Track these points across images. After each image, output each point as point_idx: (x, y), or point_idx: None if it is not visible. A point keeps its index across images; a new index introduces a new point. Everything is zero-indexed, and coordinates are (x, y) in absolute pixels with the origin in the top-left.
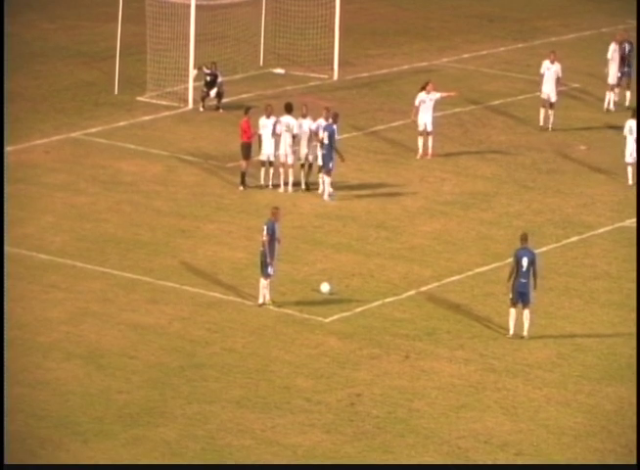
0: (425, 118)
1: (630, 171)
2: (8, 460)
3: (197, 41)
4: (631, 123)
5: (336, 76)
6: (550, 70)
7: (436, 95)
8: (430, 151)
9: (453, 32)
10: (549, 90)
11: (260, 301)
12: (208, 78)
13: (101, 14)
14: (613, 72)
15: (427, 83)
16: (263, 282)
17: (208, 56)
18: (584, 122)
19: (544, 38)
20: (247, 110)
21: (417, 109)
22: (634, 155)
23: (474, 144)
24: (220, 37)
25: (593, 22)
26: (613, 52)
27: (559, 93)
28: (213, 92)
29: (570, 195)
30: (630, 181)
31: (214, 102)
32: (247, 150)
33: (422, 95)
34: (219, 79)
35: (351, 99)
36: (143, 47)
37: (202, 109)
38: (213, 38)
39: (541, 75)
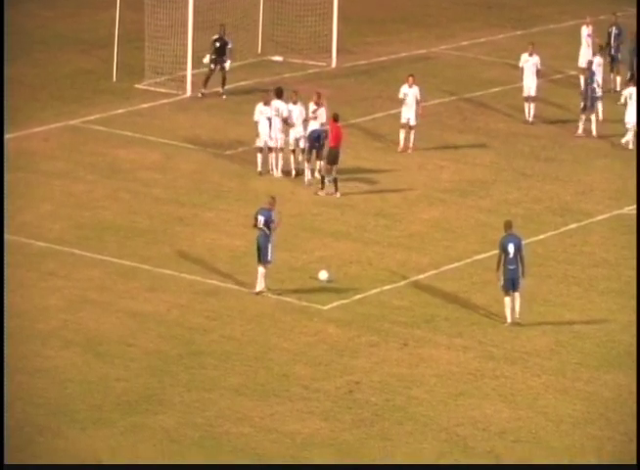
0: (407, 112)
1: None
2: (7, 449)
3: (195, 29)
4: (631, 90)
5: (334, 64)
6: (529, 63)
7: (417, 89)
8: (411, 144)
9: (451, 20)
10: (530, 83)
11: (258, 289)
12: (218, 44)
13: (99, 1)
14: (584, 56)
15: (409, 76)
16: (262, 270)
17: (207, 44)
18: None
19: (542, 26)
20: (336, 116)
21: (403, 102)
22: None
23: (472, 132)
24: (219, 25)
25: (591, 9)
26: (584, 35)
27: (540, 85)
28: (227, 64)
29: (568, 182)
30: (631, 146)
31: (219, 88)
32: (332, 156)
33: (404, 88)
34: (229, 46)
35: (350, 87)
36: (141, 35)
37: (200, 95)
38: (212, 26)
39: (521, 69)
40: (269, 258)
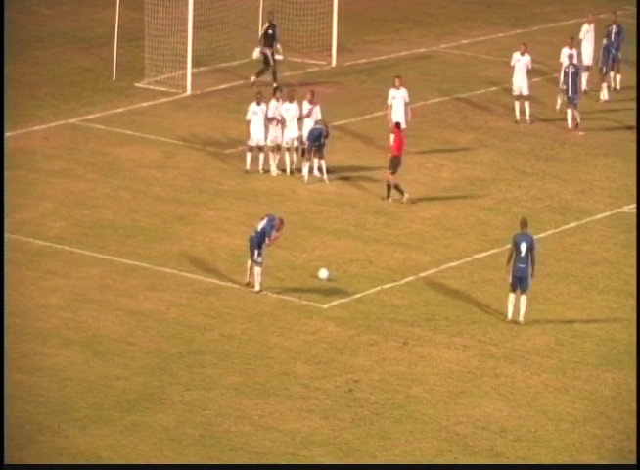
0: (397, 116)
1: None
2: (7, 448)
3: (195, 27)
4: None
5: (334, 63)
6: (520, 62)
7: (405, 91)
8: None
9: (451, 18)
10: (520, 83)
11: (258, 288)
12: (270, 32)
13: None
14: (587, 53)
15: (395, 78)
16: (258, 270)
17: (207, 42)
18: (581, 108)
19: (543, 24)
20: (398, 124)
21: (391, 107)
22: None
23: (472, 130)
24: (219, 23)
25: (592, 7)
26: (585, 33)
27: (531, 84)
28: (279, 46)
29: (568, 181)
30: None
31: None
32: (397, 163)
33: (392, 92)
34: (277, 28)
35: (350, 85)
36: (141, 33)
37: (252, 81)
38: (211, 24)
39: (511, 68)
40: (256, 258)
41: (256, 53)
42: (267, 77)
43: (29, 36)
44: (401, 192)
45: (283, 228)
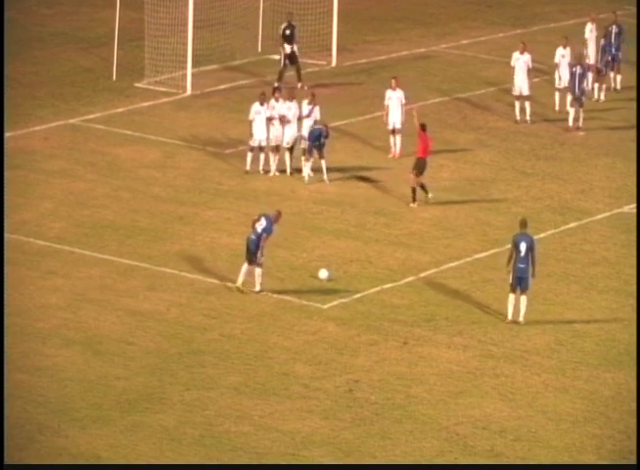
0: (393, 116)
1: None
2: (7, 448)
3: (195, 27)
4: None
5: (334, 63)
6: (520, 61)
7: (402, 92)
8: (398, 150)
9: (451, 18)
10: (521, 83)
11: (258, 288)
12: (288, 32)
13: None
14: (592, 52)
15: (392, 79)
16: (258, 270)
17: (207, 42)
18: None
19: (543, 24)
20: (424, 126)
21: (388, 107)
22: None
23: (472, 130)
24: (219, 23)
25: (592, 7)
26: (589, 32)
27: (531, 84)
28: (296, 47)
29: (568, 181)
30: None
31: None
32: (422, 166)
33: (388, 92)
34: (296, 29)
35: (350, 85)
36: (141, 33)
37: (276, 85)
38: (212, 24)
39: (512, 68)
40: (259, 259)
41: (287, 49)
42: (285, 74)
43: (29, 36)
44: (426, 191)
45: (281, 218)
